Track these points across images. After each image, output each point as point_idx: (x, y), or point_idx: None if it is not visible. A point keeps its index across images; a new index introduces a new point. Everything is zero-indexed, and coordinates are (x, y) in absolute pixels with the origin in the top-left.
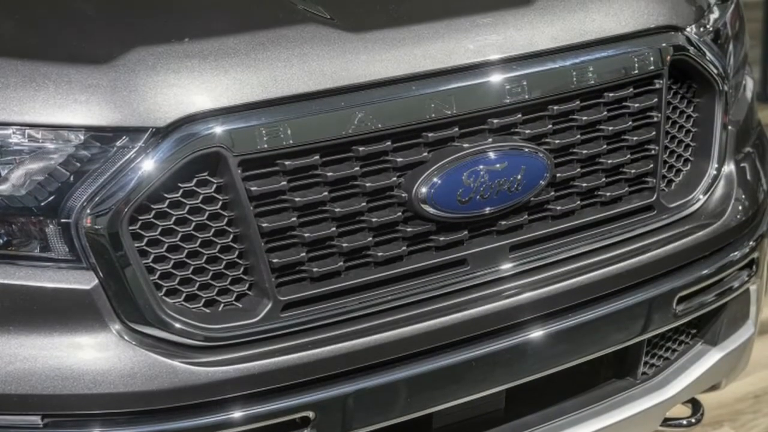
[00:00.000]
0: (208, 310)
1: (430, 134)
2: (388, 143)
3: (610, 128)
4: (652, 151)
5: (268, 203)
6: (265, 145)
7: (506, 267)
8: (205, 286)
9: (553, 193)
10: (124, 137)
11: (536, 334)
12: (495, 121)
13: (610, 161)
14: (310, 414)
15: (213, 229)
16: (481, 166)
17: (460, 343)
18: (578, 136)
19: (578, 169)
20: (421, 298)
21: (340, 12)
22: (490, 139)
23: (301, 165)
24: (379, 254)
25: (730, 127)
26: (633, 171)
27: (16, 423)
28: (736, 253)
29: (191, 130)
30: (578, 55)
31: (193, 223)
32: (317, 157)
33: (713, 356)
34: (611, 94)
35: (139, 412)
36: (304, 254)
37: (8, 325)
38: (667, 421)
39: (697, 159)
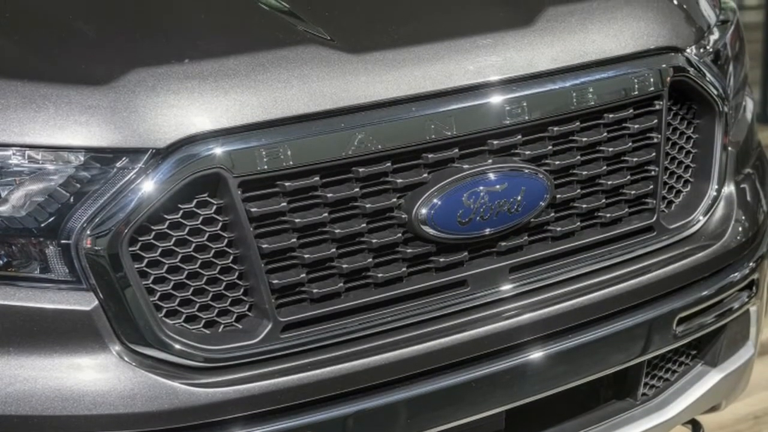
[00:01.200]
0: (208, 331)
1: (430, 155)
2: (388, 164)
3: (610, 149)
4: (652, 172)
5: (268, 224)
6: (265, 166)
7: (506, 288)
8: (205, 307)
9: (553, 214)
10: (124, 158)
11: (536, 355)
12: (495, 142)
13: (610, 182)
14: None
15: (213, 250)
16: (481, 187)
17: (460, 364)
18: (578, 157)
19: (578, 190)
20: (421, 320)
21: (341, 33)
22: (490, 160)
23: (301, 186)
24: (379, 275)
25: (730, 148)
26: (633, 192)
27: None
28: (736, 274)
29: (191, 151)
30: (578, 76)
31: (193, 244)
32: (317, 178)
33: (713, 377)
34: (611, 115)
35: None
36: (304, 275)
37: (8, 347)
38: None
39: (697, 180)
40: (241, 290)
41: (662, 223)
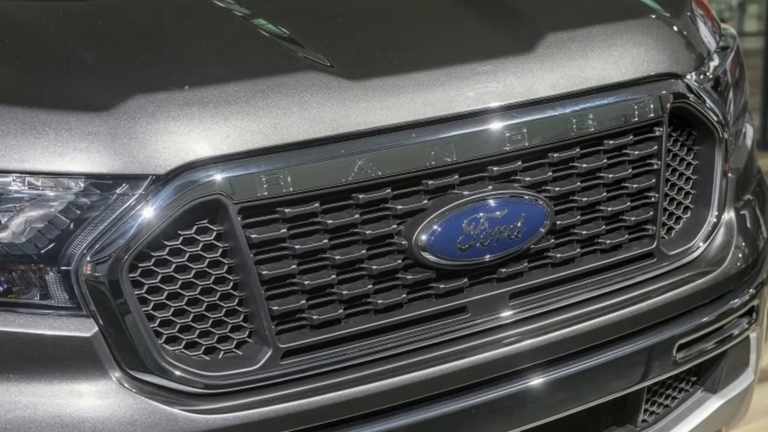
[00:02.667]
0: (208, 358)
1: (430, 182)
2: (388, 191)
3: (610, 176)
4: (652, 199)
5: (268, 251)
6: (265, 193)
7: (506, 314)
8: (205, 333)
9: (553, 240)
10: (124, 185)
11: (536, 381)
12: (495, 168)
13: (610, 209)
14: None
15: (213, 277)
16: (481, 214)
17: (460, 390)
18: (578, 183)
19: (578, 217)
20: (421, 346)
21: (340, 59)
22: (490, 187)
23: (301, 212)
24: (379, 302)
25: (730, 175)
26: (633, 218)
27: None
28: (736, 300)
29: (191, 177)
30: (578, 103)
31: (193, 271)
32: (317, 204)
33: (713, 404)
34: (611, 142)
35: None
36: (304, 302)
37: (8, 373)
38: None
39: (697, 206)
40: (241, 317)
41: (662, 249)
